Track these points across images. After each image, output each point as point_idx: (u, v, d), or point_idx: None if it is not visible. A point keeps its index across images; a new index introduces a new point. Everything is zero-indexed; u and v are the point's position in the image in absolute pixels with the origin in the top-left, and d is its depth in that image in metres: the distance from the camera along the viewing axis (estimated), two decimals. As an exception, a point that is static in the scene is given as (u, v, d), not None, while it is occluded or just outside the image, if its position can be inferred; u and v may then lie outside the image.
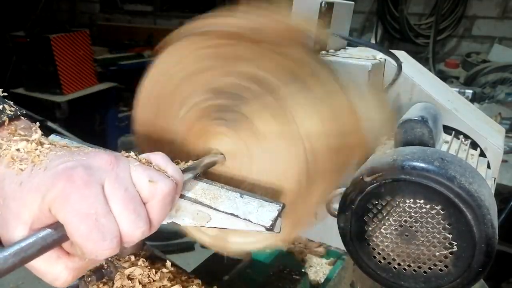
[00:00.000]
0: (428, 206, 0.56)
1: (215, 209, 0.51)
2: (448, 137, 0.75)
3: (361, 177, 0.60)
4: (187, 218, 0.54)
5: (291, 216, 0.58)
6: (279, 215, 0.49)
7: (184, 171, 0.51)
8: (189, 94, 0.61)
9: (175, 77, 0.61)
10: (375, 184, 0.58)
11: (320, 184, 0.57)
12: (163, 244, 2.65)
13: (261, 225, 0.48)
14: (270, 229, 0.48)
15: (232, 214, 0.50)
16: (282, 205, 0.50)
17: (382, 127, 0.67)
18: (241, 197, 0.52)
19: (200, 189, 0.55)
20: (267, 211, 0.49)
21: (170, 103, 0.62)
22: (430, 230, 0.57)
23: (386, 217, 0.59)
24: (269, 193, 0.58)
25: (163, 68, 0.62)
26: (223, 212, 0.51)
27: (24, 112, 0.49)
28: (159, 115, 0.64)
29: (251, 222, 0.49)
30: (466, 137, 0.77)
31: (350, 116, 0.56)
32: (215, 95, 0.59)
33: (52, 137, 0.56)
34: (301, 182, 0.56)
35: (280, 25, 0.56)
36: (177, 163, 0.53)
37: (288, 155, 0.55)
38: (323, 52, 0.79)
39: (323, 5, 0.74)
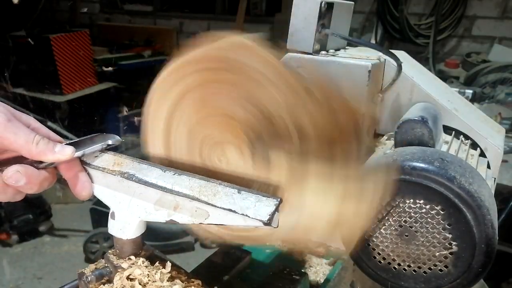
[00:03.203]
0: (428, 206, 0.56)
1: (213, 205, 0.51)
2: (448, 137, 0.75)
3: (361, 177, 0.60)
4: (186, 216, 0.54)
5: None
6: (276, 210, 0.49)
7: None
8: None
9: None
10: (375, 184, 0.58)
11: (314, 160, 0.56)
12: (163, 244, 2.65)
13: (259, 220, 0.48)
14: (268, 223, 0.48)
15: (230, 210, 0.50)
16: (279, 199, 0.50)
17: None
18: (238, 192, 0.52)
19: (197, 186, 0.55)
20: (264, 206, 0.50)
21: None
22: (430, 230, 0.56)
23: (386, 217, 0.59)
24: (269, 190, 0.58)
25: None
26: (220, 208, 0.51)
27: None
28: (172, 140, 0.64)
29: (249, 217, 0.49)
30: (466, 137, 0.77)
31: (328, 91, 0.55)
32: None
33: None
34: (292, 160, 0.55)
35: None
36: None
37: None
38: (323, 52, 0.79)
39: (323, 5, 0.74)
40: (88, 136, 0.64)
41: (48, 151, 0.56)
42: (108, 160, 0.63)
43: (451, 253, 0.56)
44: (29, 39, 3.49)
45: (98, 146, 0.63)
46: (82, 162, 0.63)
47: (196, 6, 5.38)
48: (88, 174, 0.62)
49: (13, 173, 0.55)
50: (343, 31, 0.84)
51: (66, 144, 0.60)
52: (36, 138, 0.56)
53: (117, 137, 0.67)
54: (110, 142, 0.65)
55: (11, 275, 2.84)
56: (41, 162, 0.57)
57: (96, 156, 0.63)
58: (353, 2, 0.86)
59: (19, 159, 0.57)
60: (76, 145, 0.60)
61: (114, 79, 4.04)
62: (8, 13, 4.66)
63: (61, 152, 0.58)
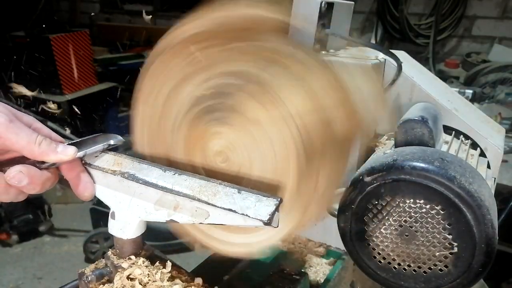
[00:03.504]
0: (428, 206, 0.56)
1: (213, 205, 0.52)
2: (448, 137, 0.75)
3: (361, 177, 0.60)
4: (186, 216, 0.54)
5: (300, 202, 0.57)
6: (276, 209, 0.49)
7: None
8: (176, 109, 0.62)
9: (160, 97, 0.62)
10: (375, 184, 0.58)
11: (322, 163, 0.56)
12: (163, 244, 2.65)
13: (259, 220, 0.48)
14: (268, 223, 0.48)
15: (230, 210, 0.50)
16: (279, 199, 0.50)
17: (374, 101, 0.67)
18: (238, 192, 0.52)
19: (198, 186, 0.55)
20: (264, 206, 0.50)
21: (163, 123, 0.64)
22: (430, 230, 0.57)
23: (386, 217, 0.59)
24: (270, 189, 0.58)
25: (148, 89, 0.63)
26: (221, 208, 0.51)
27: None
28: (156, 137, 0.65)
29: (249, 217, 0.49)
30: (466, 137, 0.77)
31: (337, 89, 0.56)
32: (199, 102, 0.60)
33: None
34: (301, 162, 0.55)
35: (242, 18, 0.58)
36: None
37: (283, 136, 0.55)
38: (323, 52, 0.79)
39: (323, 5, 0.74)
40: (90, 136, 0.64)
41: (51, 152, 0.57)
42: (108, 160, 0.63)
43: (451, 253, 0.56)
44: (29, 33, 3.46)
45: (100, 146, 0.63)
46: (83, 162, 0.63)
47: (196, 6, 5.38)
48: (89, 174, 0.63)
49: (16, 173, 0.55)
50: (343, 31, 0.84)
51: (68, 144, 0.60)
52: (38, 139, 0.56)
53: (119, 137, 0.67)
54: (112, 142, 0.65)
55: (11, 275, 2.83)
56: (43, 162, 0.57)
57: (96, 156, 0.64)
58: (353, 2, 0.86)
59: (21, 160, 0.57)
60: (78, 145, 0.60)
61: (114, 79, 4.04)
62: (8, 13, 4.66)
63: (63, 152, 0.58)
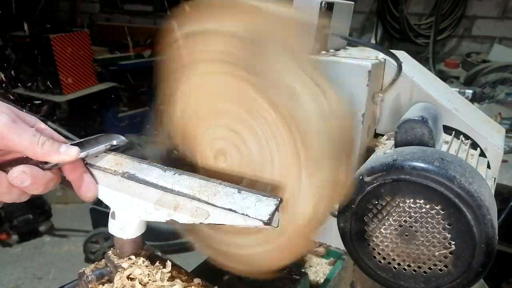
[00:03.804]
0: (428, 206, 0.56)
1: (213, 205, 0.52)
2: (448, 137, 0.75)
3: (361, 177, 0.60)
4: (186, 215, 0.54)
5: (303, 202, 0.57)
6: (276, 209, 0.49)
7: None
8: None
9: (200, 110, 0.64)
10: (375, 184, 0.58)
11: (325, 162, 0.56)
12: (163, 244, 2.65)
13: (259, 220, 0.48)
14: (268, 223, 0.48)
15: (230, 210, 0.50)
16: (279, 199, 0.50)
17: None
18: (238, 192, 0.52)
19: (198, 186, 0.55)
20: (264, 206, 0.50)
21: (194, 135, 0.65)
22: (430, 230, 0.57)
23: (386, 217, 0.59)
24: (270, 189, 0.58)
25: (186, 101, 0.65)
26: (221, 208, 0.51)
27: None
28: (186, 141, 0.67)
29: (249, 216, 0.49)
30: (466, 137, 0.77)
31: (329, 96, 0.56)
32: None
33: None
34: (303, 161, 0.55)
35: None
36: None
37: (284, 135, 0.55)
38: (323, 52, 0.79)
39: (323, 5, 0.74)
40: (93, 136, 0.64)
41: (53, 152, 0.57)
42: (108, 160, 0.63)
43: (451, 253, 0.56)
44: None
45: (102, 147, 0.63)
46: (85, 163, 0.63)
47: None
48: (91, 174, 0.62)
49: (19, 173, 0.55)
50: (343, 31, 0.84)
51: (71, 144, 0.60)
52: (41, 139, 0.56)
53: (122, 137, 0.66)
54: (114, 142, 0.65)
55: (11, 275, 2.83)
56: (46, 163, 0.57)
57: (96, 156, 0.63)
58: (353, 2, 0.86)
59: (24, 160, 0.57)
60: (81, 146, 0.60)
61: (114, 79, 4.04)
62: (8, 13, 4.66)
63: (66, 153, 0.58)
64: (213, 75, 0.59)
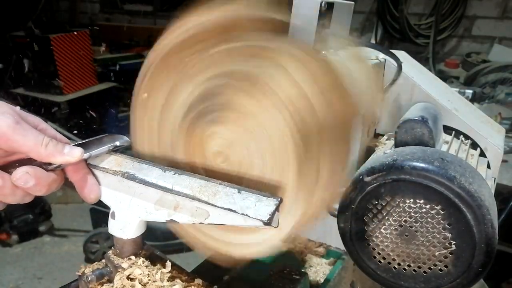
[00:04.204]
0: (428, 206, 0.56)
1: (213, 205, 0.52)
2: (448, 137, 0.75)
3: (361, 177, 0.60)
4: (186, 216, 0.54)
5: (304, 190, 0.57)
6: (276, 209, 0.49)
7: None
8: (172, 116, 0.62)
9: (157, 104, 0.63)
10: (375, 184, 0.58)
11: (321, 148, 0.56)
12: (163, 244, 2.65)
13: (259, 220, 0.48)
14: (268, 223, 0.48)
15: (230, 210, 0.50)
16: (279, 199, 0.50)
17: (369, 84, 0.67)
18: (238, 192, 0.52)
19: (198, 186, 0.55)
20: (264, 206, 0.50)
21: (162, 127, 0.64)
22: (430, 230, 0.57)
23: (386, 217, 0.59)
24: (270, 187, 0.58)
25: (146, 100, 0.64)
26: (221, 208, 0.51)
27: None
28: (156, 139, 0.65)
29: (249, 217, 0.49)
30: (466, 137, 0.77)
31: (327, 73, 0.55)
32: (192, 108, 0.60)
33: None
34: (299, 148, 0.55)
35: (224, 18, 0.58)
36: None
37: (277, 125, 0.55)
38: (323, 52, 0.79)
39: (323, 5, 0.74)
40: (96, 137, 0.64)
41: (57, 153, 0.56)
42: (108, 160, 0.63)
43: (451, 253, 0.56)
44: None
45: (105, 148, 0.63)
46: (87, 163, 0.62)
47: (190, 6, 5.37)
48: (94, 175, 0.62)
49: (22, 174, 0.55)
50: (343, 31, 0.84)
51: (74, 145, 0.59)
52: (45, 140, 0.55)
53: (126, 138, 0.66)
54: (118, 143, 0.65)
55: (11, 275, 2.83)
56: (49, 164, 0.57)
57: (97, 157, 0.63)
58: (353, 2, 0.86)
59: (27, 161, 0.56)
60: (84, 146, 0.60)
61: (114, 79, 4.04)
62: (8, 13, 4.66)
63: (70, 153, 0.57)
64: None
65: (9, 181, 0.55)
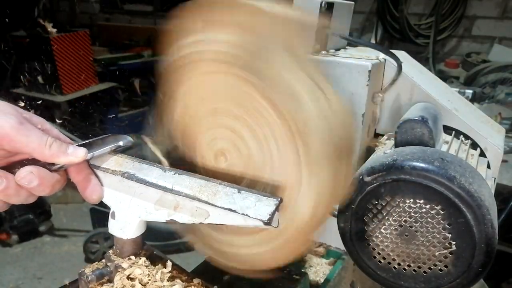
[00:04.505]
0: (428, 206, 0.56)
1: (213, 205, 0.52)
2: (448, 137, 0.75)
3: (361, 177, 0.60)
4: (186, 215, 0.54)
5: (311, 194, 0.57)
6: (276, 209, 0.49)
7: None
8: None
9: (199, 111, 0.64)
10: (375, 184, 0.58)
11: (326, 162, 0.55)
12: (163, 244, 2.65)
13: (259, 219, 0.48)
14: (268, 223, 0.48)
15: (230, 209, 0.50)
16: (279, 199, 0.50)
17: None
18: (238, 192, 0.52)
19: (198, 186, 0.55)
20: (264, 206, 0.50)
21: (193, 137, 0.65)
22: (430, 230, 0.57)
23: (386, 217, 0.59)
24: (270, 189, 0.58)
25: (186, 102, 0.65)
26: (221, 207, 0.51)
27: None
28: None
29: (249, 216, 0.49)
30: (466, 137, 0.77)
31: (330, 95, 0.55)
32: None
33: None
34: (304, 160, 0.55)
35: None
36: None
37: (283, 133, 0.55)
38: (323, 52, 0.79)
39: (323, 5, 0.75)
40: (99, 137, 0.63)
41: (61, 153, 0.56)
42: (108, 160, 0.63)
43: (451, 253, 0.56)
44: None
45: (108, 148, 0.63)
46: (88, 164, 0.62)
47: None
48: (96, 176, 0.62)
49: (27, 173, 0.54)
50: (343, 31, 0.84)
51: (78, 145, 0.59)
52: (48, 141, 0.55)
53: (129, 138, 0.66)
54: (121, 143, 0.65)
55: (11, 275, 2.83)
56: (53, 164, 0.57)
57: (98, 157, 0.63)
58: (353, 2, 0.86)
59: (31, 162, 0.56)
60: (87, 146, 0.59)
61: (114, 79, 4.04)
62: (8, 13, 4.66)
63: (74, 154, 0.57)
64: (213, 75, 0.59)
65: (13, 181, 0.55)
